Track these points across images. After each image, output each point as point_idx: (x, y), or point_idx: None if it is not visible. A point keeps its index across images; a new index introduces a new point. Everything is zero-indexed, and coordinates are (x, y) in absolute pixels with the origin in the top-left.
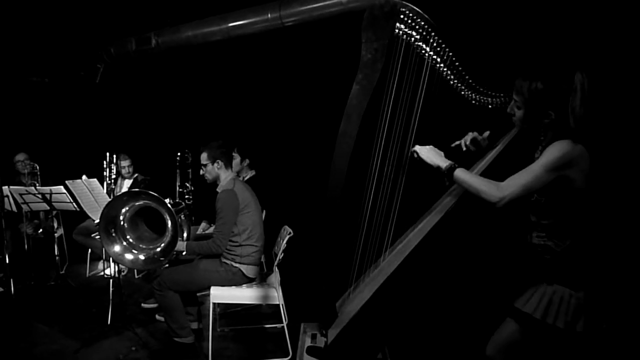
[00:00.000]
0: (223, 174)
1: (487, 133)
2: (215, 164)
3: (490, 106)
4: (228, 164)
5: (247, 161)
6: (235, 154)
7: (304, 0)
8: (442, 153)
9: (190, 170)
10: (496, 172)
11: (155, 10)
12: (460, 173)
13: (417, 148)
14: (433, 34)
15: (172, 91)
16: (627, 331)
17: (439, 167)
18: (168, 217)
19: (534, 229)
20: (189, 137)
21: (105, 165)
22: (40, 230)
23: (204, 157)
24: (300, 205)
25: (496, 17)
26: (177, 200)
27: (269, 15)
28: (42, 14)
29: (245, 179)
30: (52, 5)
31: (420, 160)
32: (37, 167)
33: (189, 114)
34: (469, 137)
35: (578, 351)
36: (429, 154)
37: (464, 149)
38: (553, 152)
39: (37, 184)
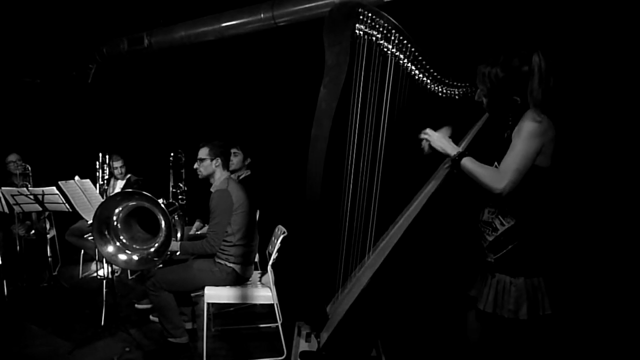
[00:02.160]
0: (218, 173)
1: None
2: (215, 161)
3: (457, 97)
4: (225, 165)
5: (249, 160)
6: (238, 151)
7: (296, 1)
8: (450, 140)
9: (183, 171)
10: (474, 154)
11: (147, 10)
12: (467, 162)
13: (429, 132)
14: (394, 31)
15: (165, 91)
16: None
17: (447, 155)
18: (162, 218)
19: (488, 203)
20: (182, 137)
21: (97, 166)
22: (33, 231)
23: (204, 152)
24: (295, 205)
25: (458, 6)
26: (171, 201)
27: (262, 15)
28: (34, 14)
29: (241, 177)
30: (44, 5)
31: (428, 145)
32: (29, 168)
33: (182, 114)
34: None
35: (529, 339)
36: (439, 140)
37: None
38: (529, 124)
39: (29, 185)
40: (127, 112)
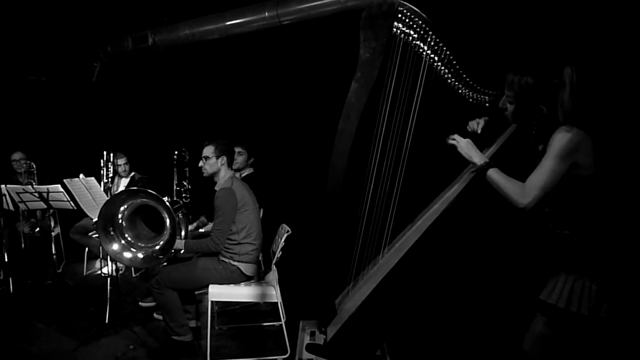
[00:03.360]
0: (223, 172)
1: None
2: (220, 159)
3: (487, 104)
4: (229, 163)
5: (252, 159)
6: (242, 150)
7: None
8: (477, 149)
9: (187, 169)
10: (499, 164)
11: (152, 8)
12: (493, 173)
13: (456, 138)
14: (430, 32)
15: (169, 90)
16: None
17: (474, 163)
18: (166, 216)
19: (549, 219)
20: (187, 136)
21: (102, 164)
22: (37, 229)
23: (209, 150)
24: (299, 204)
25: (492, 15)
26: (175, 199)
27: (267, 13)
28: (39, 12)
29: (243, 175)
30: (49, 3)
31: (454, 150)
32: (34, 166)
33: (187, 113)
34: (482, 123)
35: (604, 336)
36: (466, 148)
37: (479, 132)
38: (560, 140)
39: (34, 183)
40: (132, 111)
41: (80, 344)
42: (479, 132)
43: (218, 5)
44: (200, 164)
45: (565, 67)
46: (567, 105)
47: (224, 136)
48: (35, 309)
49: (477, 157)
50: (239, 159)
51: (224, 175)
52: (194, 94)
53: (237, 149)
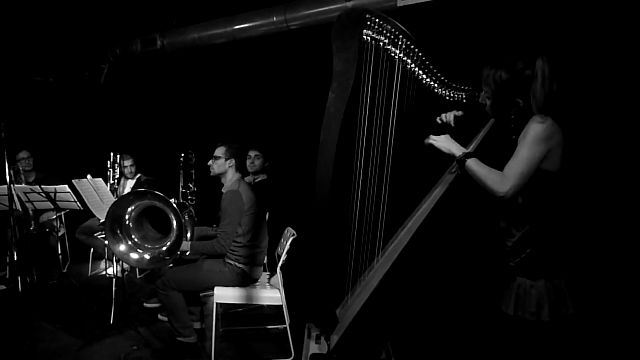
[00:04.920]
0: (230, 174)
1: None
2: (229, 162)
3: (464, 101)
4: (238, 167)
5: (267, 164)
6: (259, 154)
7: (309, 4)
8: (456, 143)
9: (193, 172)
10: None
11: (161, 11)
12: (472, 163)
13: (433, 139)
14: (401, 37)
15: (176, 93)
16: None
17: (453, 155)
18: (173, 217)
19: (503, 211)
20: (193, 139)
21: (109, 166)
22: (32, 227)
23: (221, 150)
24: (304, 208)
25: (466, 10)
26: (182, 201)
27: (275, 18)
28: (47, 13)
29: (257, 181)
30: (57, 5)
31: (433, 148)
32: (31, 163)
33: (193, 116)
34: (452, 115)
35: (552, 341)
36: (444, 143)
37: (453, 124)
38: (535, 128)
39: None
40: (139, 113)
41: (85, 344)
42: (452, 124)
43: (226, 9)
44: (210, 162)
45: (537, 59)
46: (540, 96)
47: (230, 139)
48: (40, 309)
49: (456, 150)
50: (257, 163)
51: (232, 178)
52: (201, 97)
53: (253, 153)
